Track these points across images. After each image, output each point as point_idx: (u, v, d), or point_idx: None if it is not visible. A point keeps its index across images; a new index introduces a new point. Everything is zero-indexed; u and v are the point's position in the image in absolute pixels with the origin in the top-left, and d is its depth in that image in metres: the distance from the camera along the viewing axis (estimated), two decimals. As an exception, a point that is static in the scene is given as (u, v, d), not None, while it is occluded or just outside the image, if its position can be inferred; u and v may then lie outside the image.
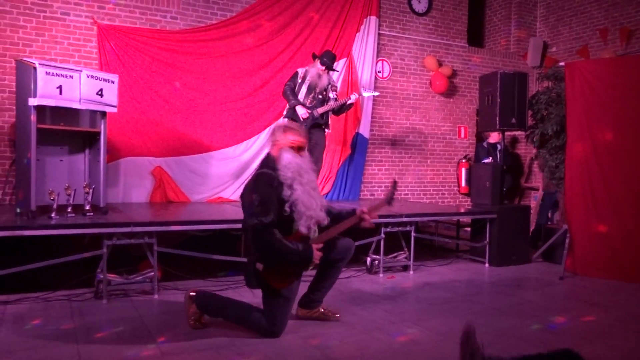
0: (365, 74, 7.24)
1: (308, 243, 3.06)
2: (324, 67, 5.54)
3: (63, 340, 3.04)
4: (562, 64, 6.23)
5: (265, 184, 3.00)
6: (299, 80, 5.53)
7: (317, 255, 3.06)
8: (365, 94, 6.18)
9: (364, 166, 7.34)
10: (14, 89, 4.76)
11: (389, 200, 3.34)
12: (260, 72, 6.52)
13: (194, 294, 3.30)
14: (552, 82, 6.19)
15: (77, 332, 3.19)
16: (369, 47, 7.29)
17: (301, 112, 5.44)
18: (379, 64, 7.49)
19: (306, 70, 5.59)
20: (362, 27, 7.22)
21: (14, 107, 4.81)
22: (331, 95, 5.62)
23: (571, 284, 4.84)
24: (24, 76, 4.20)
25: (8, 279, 3.77)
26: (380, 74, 7.51)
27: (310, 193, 3.07)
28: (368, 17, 7.27)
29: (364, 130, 7.27)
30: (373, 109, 7.40)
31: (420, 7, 7.86)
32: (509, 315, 3.74)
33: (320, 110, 5.50)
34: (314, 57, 5.70)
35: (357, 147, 7.21)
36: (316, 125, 5.53)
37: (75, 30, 5.66)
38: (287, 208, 2.99)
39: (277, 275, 3.08)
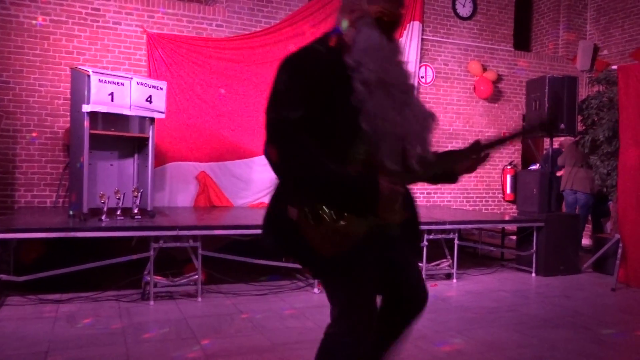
0: (408, 79, 7.18)
1: (372, 170, 1.59)
2: None
3: (112, 340, 3.13)
4: (614, 67, 6.02)
5: (309, 61, 1.62)
6: None
7: (384, 187, 1.55)
8: None
9: (406, 172, 7.25)
10: (69, 96, 4.96)
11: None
12: (303, 78, 6.57)
13: None
14: (603, 87, 6.00)
15: (125, 332, 3.28)
16: (412, 53, 7.23)
17: None
18: (422, 69, 7.42)
19: None
20: (405, 32, 7.17)
21: (68, 114, 5.02)
22: None
23: (624, 296, 4.64)
24: (78, 83, 4.38)
25: (61, 279, 3.91)
26: (423, 80, 7.43)
27: (402, 109, 1.63)
28: (411, 22, 7.22)
29: (407, 136, 7.19)
30: (416, 114, 7.32)
31: (464, 11, 7.75)
32: (558, 327, 3.61)
33: None
34: None
35: (399, 153, 7.14)
36: None
37: (126, 39, 5.86)
38: (364, 120, 1.57)
39: (325, 227, 1.57)
